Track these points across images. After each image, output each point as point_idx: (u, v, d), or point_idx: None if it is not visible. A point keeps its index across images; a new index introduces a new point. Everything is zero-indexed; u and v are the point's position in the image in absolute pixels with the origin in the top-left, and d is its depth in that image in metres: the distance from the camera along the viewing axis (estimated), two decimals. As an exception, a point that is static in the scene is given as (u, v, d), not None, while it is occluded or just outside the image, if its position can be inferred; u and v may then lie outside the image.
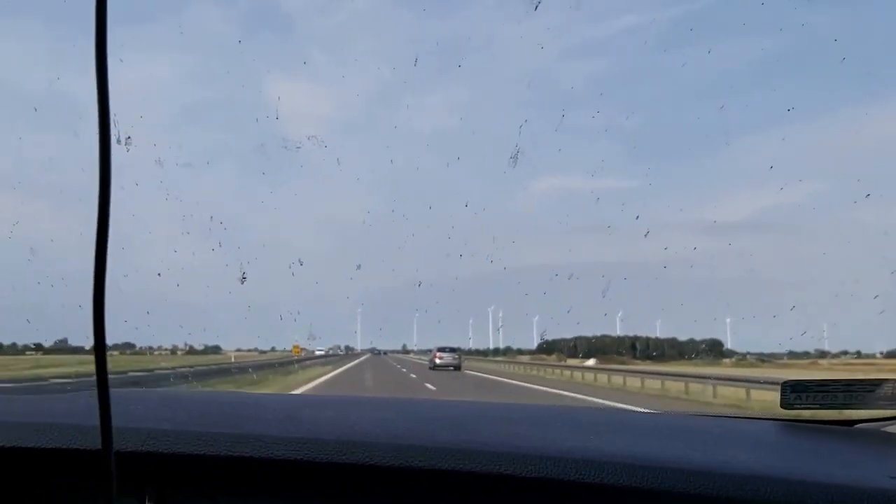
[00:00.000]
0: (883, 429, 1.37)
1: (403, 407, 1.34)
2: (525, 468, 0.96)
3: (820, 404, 1.38)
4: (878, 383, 1.36)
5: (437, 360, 31.08)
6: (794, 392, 1.39)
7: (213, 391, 5.32)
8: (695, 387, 17.84)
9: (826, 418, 1.44)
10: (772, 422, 1.43)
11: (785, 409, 1.40)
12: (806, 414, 1.42)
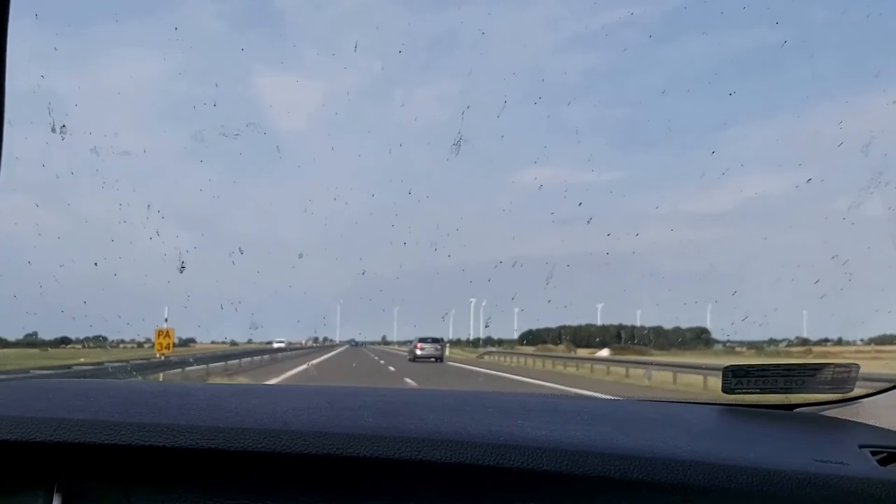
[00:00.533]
0: (821, 412, 1.38)
1: (333, 395, 1.32)
2: (445, 453, 0.95)
3: (760, 389, 1.38)
4: (818, 368, 1.36)
5: (418, 352, 29.28)
6: (736, 377, 1.39)
7: (140, 381, 5.18)
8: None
9: (768, 403, 1.44)
10: (712, 406, 1.42)
11: (726, 393, 1.40)
12: (750, 398, 1.42)
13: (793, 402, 1.43)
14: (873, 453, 1.07)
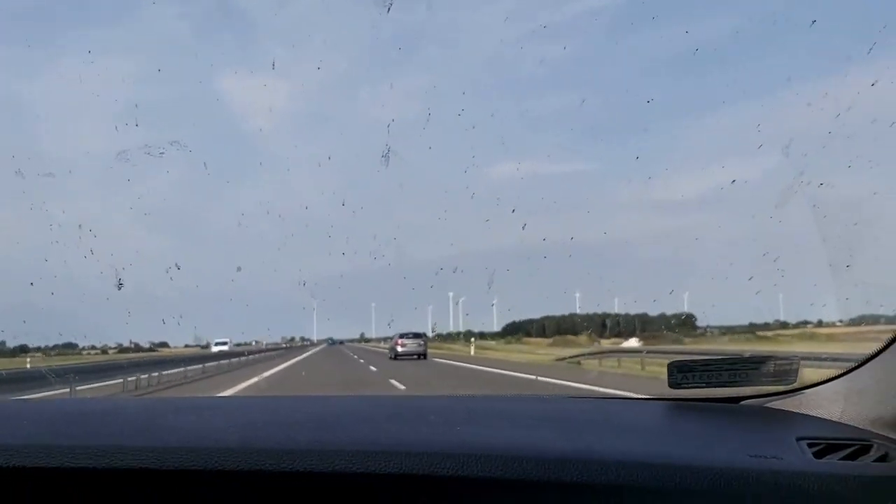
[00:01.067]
0: (766, 405, 1.39)
1: (274, 408, 1.31)
2: (380, 464, 0.95)
3: (706, 383, 1.40)
4: (761, 361, 1.38)
5: (399, 348, 27.02)
6: (681, 372, 1.40)
7: (78, 398, 4.80)
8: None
9: (716, 396, 1.46)
10: (658, 402, 1.44)
11: (673, 388, 1.41)
12: (697, 392, 1.43)
13: (740, 394, 1.45)
14: (811, 445, 1.08)
